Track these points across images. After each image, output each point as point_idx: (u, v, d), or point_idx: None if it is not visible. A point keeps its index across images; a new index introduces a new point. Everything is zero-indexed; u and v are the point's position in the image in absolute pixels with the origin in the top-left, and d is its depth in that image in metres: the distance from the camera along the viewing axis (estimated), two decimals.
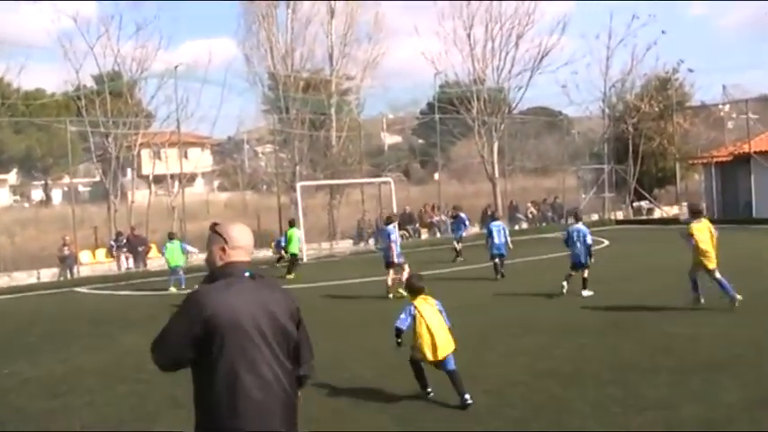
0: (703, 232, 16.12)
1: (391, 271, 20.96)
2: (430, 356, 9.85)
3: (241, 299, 4.66)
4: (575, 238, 19.49)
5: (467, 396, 9.64)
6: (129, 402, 10.89)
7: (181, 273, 25.74)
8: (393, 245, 21.12)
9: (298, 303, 5.05)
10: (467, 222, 30.35)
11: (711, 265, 15.95)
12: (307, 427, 9.11)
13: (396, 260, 20.96)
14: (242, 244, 4.95)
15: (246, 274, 4.81)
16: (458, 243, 29.38)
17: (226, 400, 4.53)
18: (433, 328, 9.94)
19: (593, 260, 19.53)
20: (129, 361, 13.96)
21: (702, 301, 16.22)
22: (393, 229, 21.74)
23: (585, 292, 18.93)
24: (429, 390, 10.26)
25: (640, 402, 9.42)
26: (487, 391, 10.31)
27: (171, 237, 27.03)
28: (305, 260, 32.96)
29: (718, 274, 15.93)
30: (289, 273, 26.60)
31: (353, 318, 17.47)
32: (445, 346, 10.01)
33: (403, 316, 10.00)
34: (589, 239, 19.44)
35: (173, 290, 24.85)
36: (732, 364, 11.10)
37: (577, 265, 19.49)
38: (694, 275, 16.35)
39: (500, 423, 8.93)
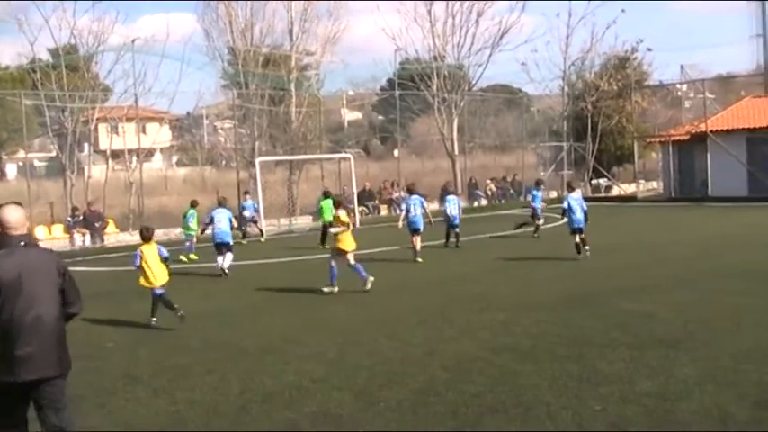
0: None
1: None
2: (147, 284, 14.63)
3: (17, 261, 6.55)
4: (574, 206, 21.09)
5: (180, 313, 14.11)
6: (85, 379, 10.75)
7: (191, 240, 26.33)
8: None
9: (63, 262, 7.06)
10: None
11: None
12: (263, 402, 9.13)
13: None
14: (12, 223, 6.64)
15: (21, 243, 6.66)
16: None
17: (12, 333, 6.42)
18: (152, 265, 14.55)
19: (588, 223, 21.52)
20: (84, 337, 13.80)
21: None
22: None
23: (588, 252, 20.77)
24: (155, 319, 14.49)
25: (596, 377, 9.51)
26: (446, 367, 10.35)
27: (193, 204, 27.67)
28: (264, 236, 32.85)
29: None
30: (322, 243, 25.94)
31: (312, 294, 17.42)
32: (159, 278, 14.60)
33: (135, 257, 14.72)
34: (585, 206, 21.51)
35: (193, 257, 25.46)
36: (686, 340, 11.24)
37: (576, 230, 21.08)
38: None
39: (458, 397, 8.96)
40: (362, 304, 15.74)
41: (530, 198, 25.97)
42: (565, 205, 21.53)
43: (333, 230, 18.02)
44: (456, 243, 24.94)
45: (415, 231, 23.11)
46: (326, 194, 28.27)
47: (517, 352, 10.99)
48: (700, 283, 16.31)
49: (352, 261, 17.59)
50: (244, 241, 30.39)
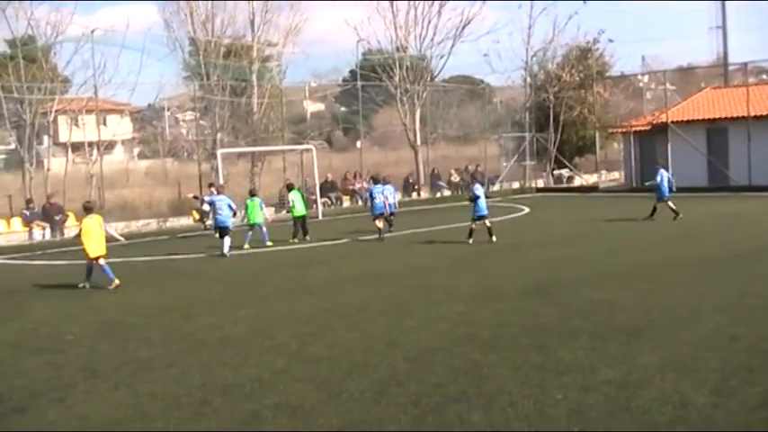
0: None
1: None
2: (90, 255, 17.40)
3: None
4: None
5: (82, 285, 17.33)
6: (44, 373, 10.64)
7: (261, 228, 25.90)
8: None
9: None
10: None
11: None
12: (224, 394, 9.08)
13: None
14: None
15: None
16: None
17: None
18: (93, 237, 17.12)
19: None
20: (44, 331, 13.67)
21: None
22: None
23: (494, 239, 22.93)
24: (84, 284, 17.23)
25: (558, 366, 9.55)
26: (407, 358, 10.35)
27: (252, 194, 27.16)
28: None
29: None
30: (294, 237, 26.35)
31: (275, 285, 17.38)
32: (98, 250, 17.49)
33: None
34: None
35: (247, 247, 24.94)
36: (648, 328, 11.32)
37: (481, 218, 23.27)
38: None
39: (420, 387, 8.96)
40: (323, 296, 15.70)
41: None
42: (474, 195, 23.62)
43: None
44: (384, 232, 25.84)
45: (379, 216, 25.51)
46: (290, 187, 28.15)
47: (478, 342, 11.00)
48: (660, 271, 16.45)
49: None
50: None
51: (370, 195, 26.11)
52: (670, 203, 27.16)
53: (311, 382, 9.48)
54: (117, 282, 17.73)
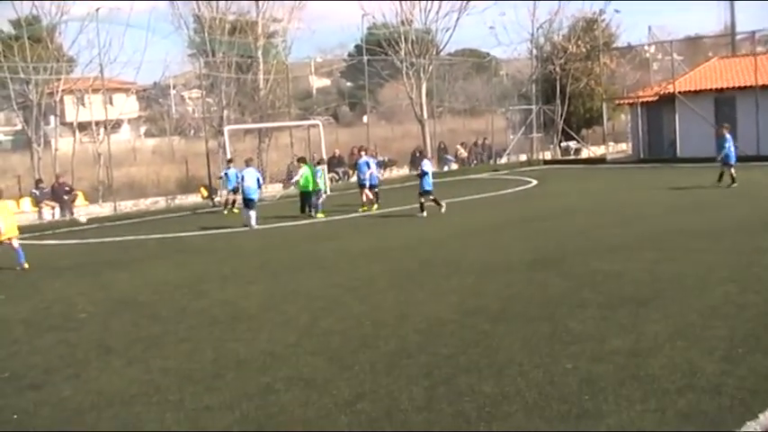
0: None
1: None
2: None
3: None
4: (428, 171, 24.47)
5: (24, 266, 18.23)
6: (58, 350, 10.75)
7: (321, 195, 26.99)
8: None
9: None
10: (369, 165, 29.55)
11: None
12: (237, 369, 9.17)
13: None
14: None
15: None
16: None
17: None
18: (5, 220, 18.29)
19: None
20: (57, 309, 13.78)
21: None
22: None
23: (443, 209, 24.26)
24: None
25: (568, 336, 9.61)
26: (418, 330, 10.42)
27: (320, 162, 28.87)
28: (235, 205, 32.76)
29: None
30: (305, 210, 26.60)
31: (285, 261, 17.45)
32: (9, 232, 18.60)
33: None
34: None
35: (321, 216, 25.98)
36: (656, 298, 11.37)
37: (427, 192, 24.23)
38: None
39: (431, 359, 9.04)
40: (332, 270, 15.77)
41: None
42: (422, 171, 24.49)
43: None
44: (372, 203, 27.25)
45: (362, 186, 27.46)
46: (303, 160, 28.13)
47: (488, 314, 11.07)
48: (668, 242, 16.47)
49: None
50: (225, 211, 30.44)
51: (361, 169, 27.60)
52: (732, 171, 27.17)
53: (323, 356, 9.56)
54: (26, 265, 18.72)
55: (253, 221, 24.14)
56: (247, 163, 26.91)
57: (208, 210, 32.16)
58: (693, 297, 11.28)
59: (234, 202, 30.40)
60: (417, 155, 45.38)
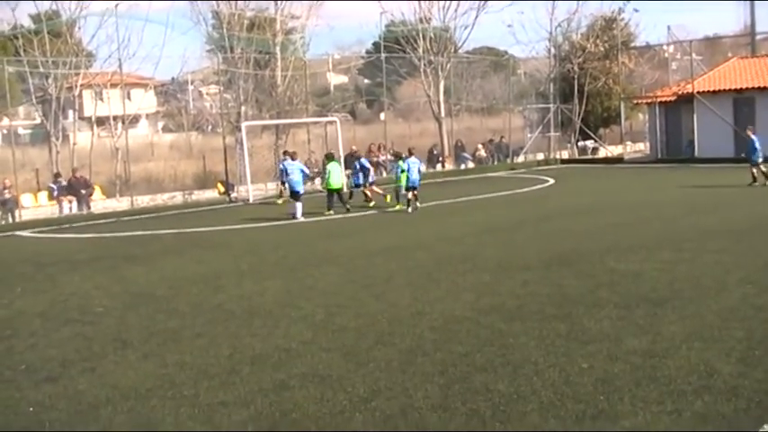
0: None
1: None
2: None
3: None
4: (412, 168, 25.42)
5: None
6: (75, 344, 10.80)
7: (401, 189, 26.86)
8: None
9: None
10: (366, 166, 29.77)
11: None
12: (252, 364, 9.18)
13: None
14: None
15: None
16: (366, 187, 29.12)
17: None
18: None
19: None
20: (74, 302, 13.84)
21: None
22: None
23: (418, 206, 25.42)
24: None
25: (584, 336, 9.58)
26: (433, 327, 10.41)
27: (398, 156, 28.66)
28: (251, 200, 32.86)
29: None
30: (329, 209, 26.26)
31: (301, 257, 17.47)
32: None
33: None
34: (421, 168, 27.03)
35: (399, 207, 26.51)
36: (673, 298, 11.31)
37: (412, 188, 25.38)
38: None
39: (446, 357, 9.03)
40: (348, 267, 15.78)
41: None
42: (405, 167, 25.46)
43: None
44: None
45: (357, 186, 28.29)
46: (330, 157, 28.19)
47: (504, 312, 11.05)
48: (686, 242, 16.38)
49: None
50: (279, 201, 31.12)
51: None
52: (754, 169, 27.79)
53: (338, 352, 9.56)
54: None
55: (298, 213, 24.92)
56: (292, 157, 27.62)
57: (224, 205, 32.25)
58: (711, 298, 11.22)
59: (282, 192, 31.34)
60: (434, 152, 45.45)
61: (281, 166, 29.41)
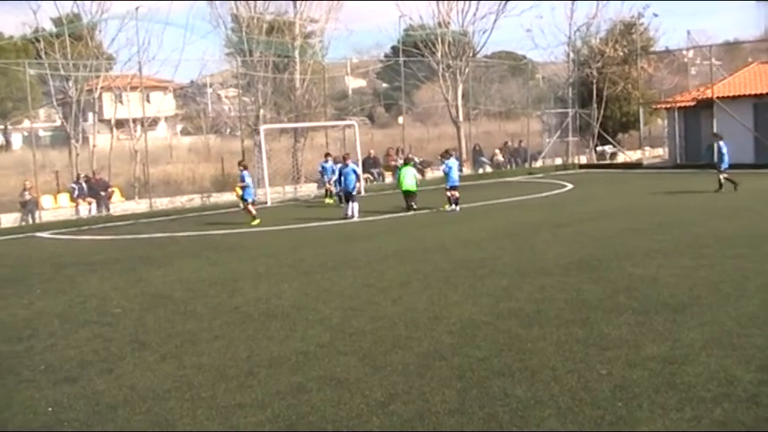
0: None
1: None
2: None
3: None
4: (453, 167, 27.05)
5: None
6: (93, 345, 10.85)
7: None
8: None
9: None
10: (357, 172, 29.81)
11: None
12: (269, 367, 9.20)
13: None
14: None
15: None
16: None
17: None
18: None
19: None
20: (93, 304, 13.90)
21: None
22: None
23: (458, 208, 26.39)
24: None
25: (603, 342, 9.54)
26: (451, 332, 10.39)
27: (406, 161, 29.59)
28: (269, 203, 32.91)
29: None
30: (409, 209, 27.14)
31: (319, 260, 17.48)
32: None
33: None
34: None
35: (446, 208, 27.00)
36: (692, 304, 11.25)
37: (453, 188, 26.78)
38: None
39: (464, 361, 9.01)
40: (366, 270, 15.76)
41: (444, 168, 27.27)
42: (446, 169, 27.13)
43: None
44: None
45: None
46: (407, 161, 29.46)
47: (522, 317, 11.02)
48: (705, 247, 16.29)
49: None
50: (328, 200, 32.12)
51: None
52: (720, 176, 28.56)
53: (355, 356, 9.56)
54: None
55: (349, 212, 26.02)
56: (344, 159, 28.55)
57: (319, 199, 33.04)
58: (730, 304, 11.15)
59: (329, 192, 32.76)
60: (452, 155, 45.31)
61: (333, 167, 31.07)
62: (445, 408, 7.61)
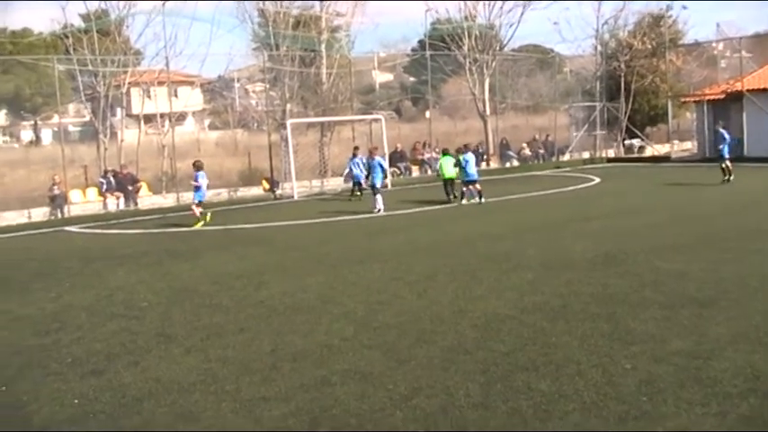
0: None
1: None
2: None
3: None
4: (470, 162, 27.12)
5: None
6: (120, 338, 10.92)
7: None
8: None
9: None
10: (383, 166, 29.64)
11: None
12: (294, 360, 9.22)
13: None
14: None
15: None
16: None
17: None
18: None
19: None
20: (119, 297, 14.00)
21: None
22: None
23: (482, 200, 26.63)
24: None
25: (628, 336, 9.49)
26: (475, 326, 10.38)
27: (444, 152, 29.55)
28: (296, 197, 32.99)
29: None
30: (453, 198, 27.68)
31: (344, 253, 17.50)
32: None
33: None
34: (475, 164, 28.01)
35: (464, 202, 27.40)
36: (719, 299, 11.16)
37: (471, 182, 27.07)
38: None
39: (488, 355, 9.00)
40: (391, 264, 15.76)
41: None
42: (463, 163, 27.01)
43: None
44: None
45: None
46: (445, 152, 29.41)
47: (547, 311, 10.98)
48: (732, 241, 16.16)
49: None
50: (358, 193, 31.66)
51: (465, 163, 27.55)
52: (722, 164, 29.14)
53: (379, 349, 9.57)
54: None
55: (378, 204, 25.95)
56: (371, 153, 29.22)
57: (269, 202, 32.41)
58: (757, 299, 11.06)
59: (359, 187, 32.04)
60: (479, 150, 45.27)
61: (364, 161, 30.71)
62: (469, 402, 7.61)
